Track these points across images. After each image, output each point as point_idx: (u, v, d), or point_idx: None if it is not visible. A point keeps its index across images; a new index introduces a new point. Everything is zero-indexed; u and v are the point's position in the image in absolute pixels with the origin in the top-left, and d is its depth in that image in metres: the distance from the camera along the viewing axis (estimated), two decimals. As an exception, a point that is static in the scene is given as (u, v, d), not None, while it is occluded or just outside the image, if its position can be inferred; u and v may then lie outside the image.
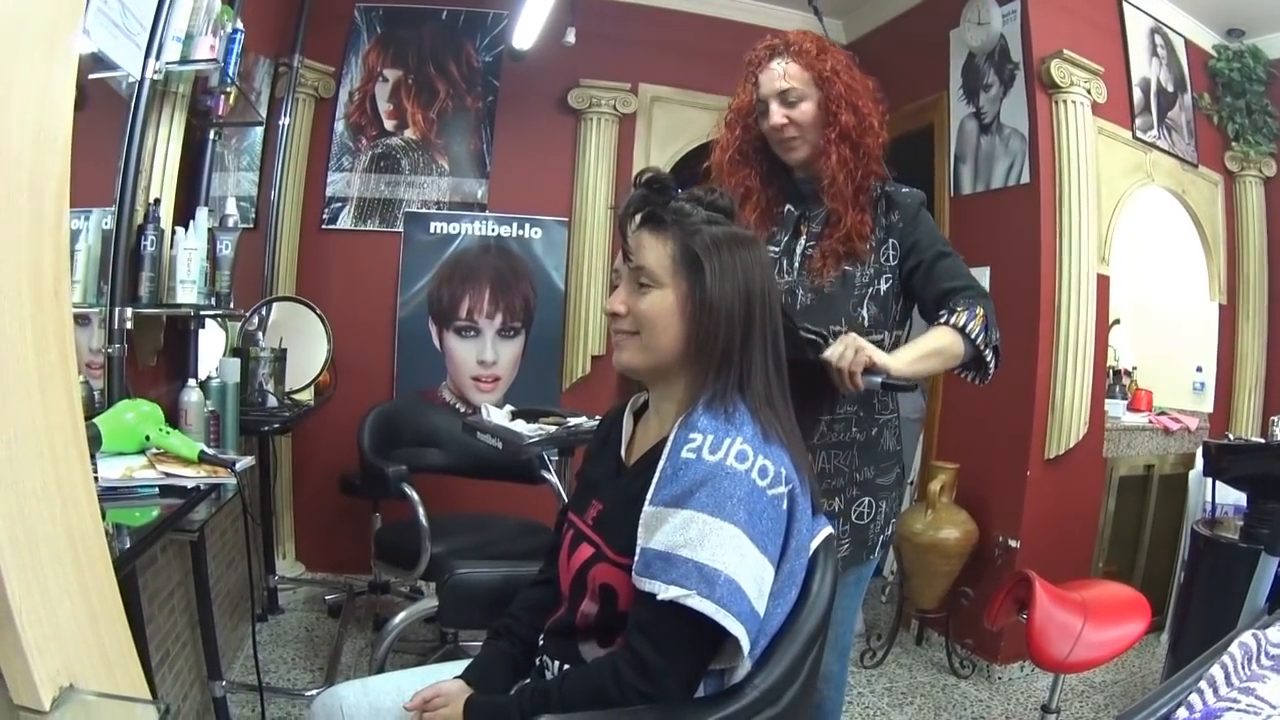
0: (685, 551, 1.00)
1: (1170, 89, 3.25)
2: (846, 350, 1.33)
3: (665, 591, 0.99)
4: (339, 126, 3.53)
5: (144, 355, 2.08)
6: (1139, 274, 3.61)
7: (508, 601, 1.37)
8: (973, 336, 1.47)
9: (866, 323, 1.56)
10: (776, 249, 1.64)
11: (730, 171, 1.66)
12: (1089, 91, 2.92)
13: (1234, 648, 1.15)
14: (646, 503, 1.06)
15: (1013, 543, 2.93)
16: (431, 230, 3.60)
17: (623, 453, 1.25)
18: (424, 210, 3.61)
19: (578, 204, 3.69)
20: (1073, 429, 2.91)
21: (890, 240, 1.58)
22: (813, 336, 1.36)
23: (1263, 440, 2.42)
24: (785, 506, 1.07)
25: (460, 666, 1.28)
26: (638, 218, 1.19)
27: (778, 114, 1.56)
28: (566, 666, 1.17)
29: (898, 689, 2.87)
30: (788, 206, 1.67)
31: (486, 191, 3.67)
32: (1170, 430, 3.16)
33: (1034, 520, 2.93)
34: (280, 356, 2.67)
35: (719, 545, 1.00)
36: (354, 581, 3.37)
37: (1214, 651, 1.16)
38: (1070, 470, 2.97)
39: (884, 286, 1.58)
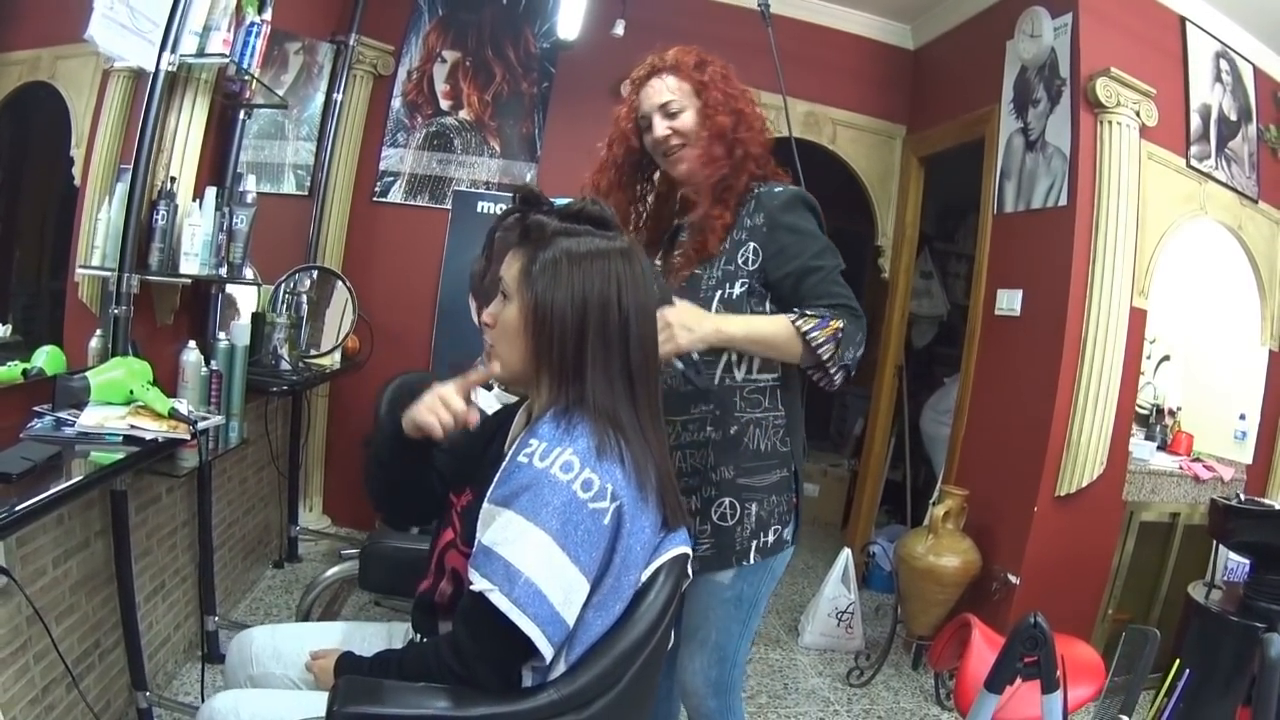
0: (500, 549, 1.05)
1: (1233, 118, 3.01)
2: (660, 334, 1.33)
3: (478, 583, 1.05)
4: (395, 104, 3.67)
5: (161, 314, 2.28)
6: (1188, 309, 3.38)
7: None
8: (814, 344, 1.43)
9: None
10: (660, 265, 1.66)
11: (607, 194, 1.67)
12: (1138, 113, 2.73)
13: None
14: (485, 499, 1.11)
15: (1013, 579, 2.83)
16: (479, 210, 3.71)
17: (506, 447, 1.30)
18: (473, 190, 3.73)
19: (624, 193, 3.72)
20: (1088, 468, 2.77)
21: (751, 244, 1.52)
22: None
23: (1274, 505, 2.23)
24: (608, 521, 1.08)
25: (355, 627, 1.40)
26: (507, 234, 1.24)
27: (661, 126, 1.57)
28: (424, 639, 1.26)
29: (876, 712, 2.82)
30: (676, 222, 1.69)
31: (536, 176, 3.75)
32: (1201, 479, 2.95)
33: (1037, 558, 2.82)
34: (296, 323, 2.83)
35: (526, 549, 1.03)
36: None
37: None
38: (1082, 510, 2.83)
39: (737, 290, 1.51)
